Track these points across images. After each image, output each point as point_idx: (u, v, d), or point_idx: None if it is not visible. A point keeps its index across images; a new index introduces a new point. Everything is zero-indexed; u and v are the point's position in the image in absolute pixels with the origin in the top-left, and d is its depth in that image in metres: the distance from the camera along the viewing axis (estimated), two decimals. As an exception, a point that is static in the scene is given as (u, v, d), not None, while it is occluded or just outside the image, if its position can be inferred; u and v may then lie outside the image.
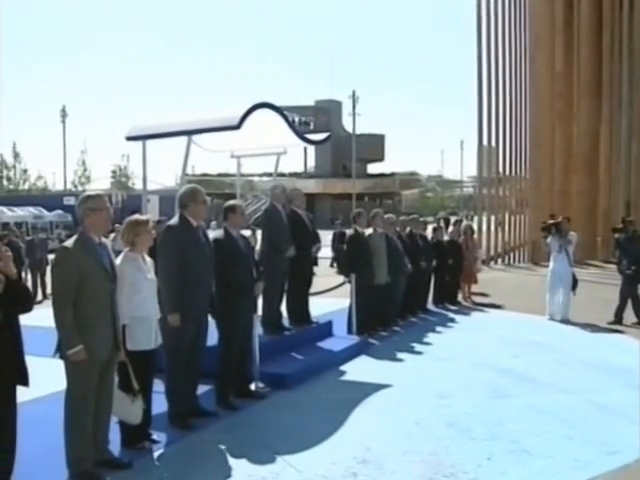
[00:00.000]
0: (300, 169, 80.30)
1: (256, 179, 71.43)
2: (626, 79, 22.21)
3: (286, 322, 8.49)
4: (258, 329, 7.14)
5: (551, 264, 11.65)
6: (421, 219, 13.57)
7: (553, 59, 22.61)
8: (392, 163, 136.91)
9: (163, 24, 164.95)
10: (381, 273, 9.87)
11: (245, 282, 6.45)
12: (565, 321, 11.07)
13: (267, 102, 7.31)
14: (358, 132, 67.89)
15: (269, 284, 7.58)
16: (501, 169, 24.74)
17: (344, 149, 68.20)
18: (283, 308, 8.48)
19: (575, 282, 11.33)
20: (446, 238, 13.22)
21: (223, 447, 5.41)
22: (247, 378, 6.79)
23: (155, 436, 5.42)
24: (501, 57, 23.90)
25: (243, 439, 5.61)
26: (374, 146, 75.75)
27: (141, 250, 5.22)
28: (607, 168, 22.67)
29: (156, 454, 5.23)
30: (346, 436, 5.66)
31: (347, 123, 73.58)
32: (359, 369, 8.04)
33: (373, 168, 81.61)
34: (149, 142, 7.87)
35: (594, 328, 10.64)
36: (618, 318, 10.91)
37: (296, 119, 8.50)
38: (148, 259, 5.31)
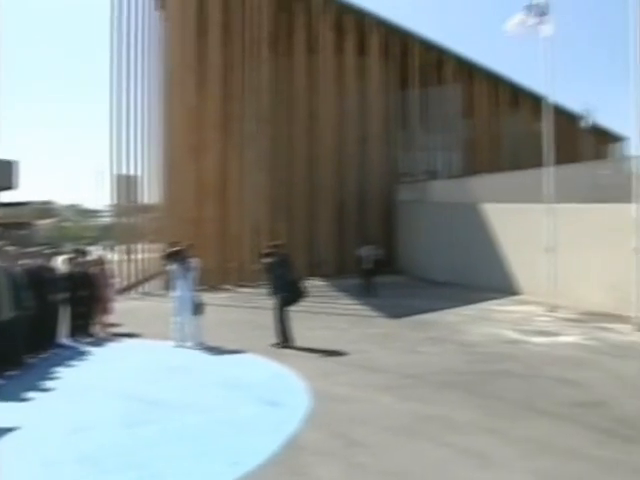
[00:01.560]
0: None
1: None
2: (254, 115, 24.05)
3: None
4: None
5: (176, 291, 11.84)
6: (56, 249, 12.97)
7: (187, 93, 23.44)
8: (28, 192, 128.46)
9: None
10: (3, 309, 9.22)
11: None
12: (198, 345, 11.38)
13: None
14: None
15: None
16: (139, 198, 24.94)
17: (-30, 176, 62.51)
18: None
19: (199, 306, 11.67)
20: (79, 269, 12.78)
21: None
22: None
23: None
24: (139, 89, 24.32)
25: None
26: (5, 173, 70.73)
27: None
28: (236, 197, 24.17)
29: None
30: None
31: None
32: (-18, 413, 7.41)
33: (5, 196, 76.02)
34: None
35: (226, 349, 11.12)
36: (285, 339, 11.36)
37: None
38: None
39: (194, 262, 11.89)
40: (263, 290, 12.39)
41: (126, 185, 24.17)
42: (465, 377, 8.88)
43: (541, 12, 15.26)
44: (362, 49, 28.67)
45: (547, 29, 15.33)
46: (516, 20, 15.69)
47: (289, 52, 26.88)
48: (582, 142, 37.55)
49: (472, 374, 9.07)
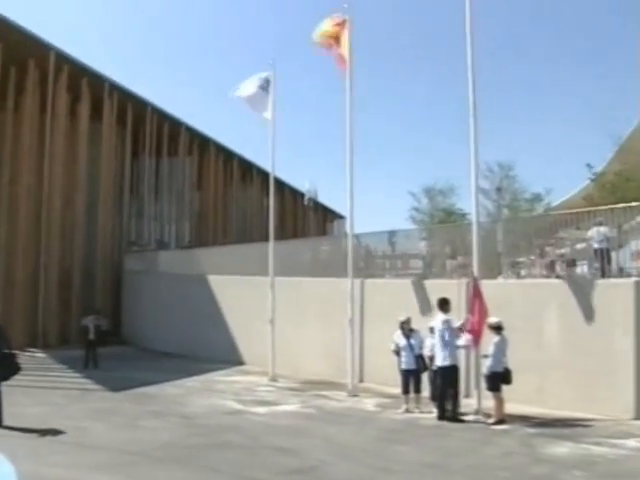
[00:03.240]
0: None
1: None
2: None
3: None
4: None
5: None
6: None
7: None
8: None
9: None
10: None
11: None
12: None
13: None
14: None
15: None
16: None
17: None
18: None
19: None
20: None
21: None
22: None
23: None
24: None
25: None
26: None
27: None
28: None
29: None
30: None
31: None
32: None
33: None
34: None
35: None
36: None
37: None
38: None
39: None
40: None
41: None
42: (185, 451, 8.92)
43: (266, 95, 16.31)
44: (97, 113, 28.09)
45: (269, 113, 16.43)
46: (248, 88, 16.49)
47: (17, 108, 25.42)
48: (308, 219, 40.03)
49: (192, 447, 9.12)
